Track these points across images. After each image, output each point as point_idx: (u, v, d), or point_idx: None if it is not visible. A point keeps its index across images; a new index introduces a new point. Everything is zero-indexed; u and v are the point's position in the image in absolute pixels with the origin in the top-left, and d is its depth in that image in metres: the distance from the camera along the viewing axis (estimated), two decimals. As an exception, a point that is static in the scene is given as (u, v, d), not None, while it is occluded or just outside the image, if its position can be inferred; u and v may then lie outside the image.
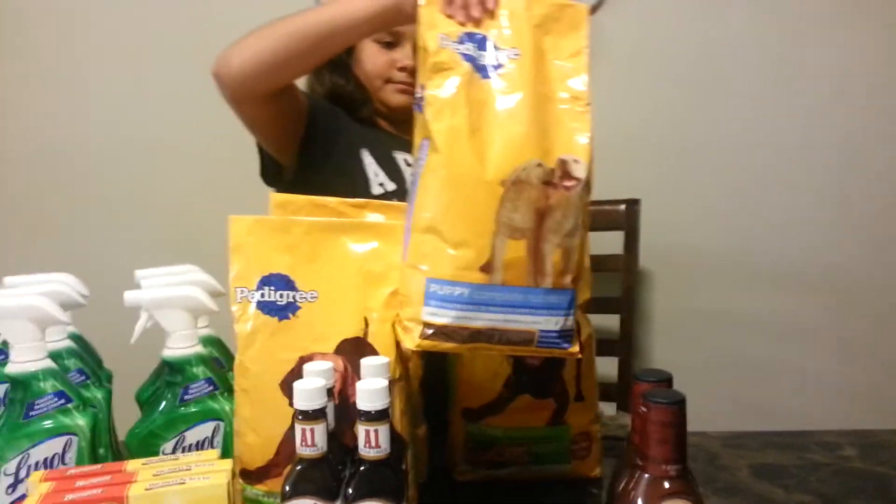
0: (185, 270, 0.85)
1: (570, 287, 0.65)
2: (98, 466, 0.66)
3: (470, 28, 0.68)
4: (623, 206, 1.47)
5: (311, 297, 0.70)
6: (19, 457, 0.66)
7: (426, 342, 0.64)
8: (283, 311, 0.69)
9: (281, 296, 0.69)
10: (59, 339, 0.78)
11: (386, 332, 0.68)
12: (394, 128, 1.20)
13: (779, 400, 1.58)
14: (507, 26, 0.69)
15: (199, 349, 0.75)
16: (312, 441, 0.56)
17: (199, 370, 0.74)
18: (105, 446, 0.76)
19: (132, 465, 0.65)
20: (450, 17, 0.69)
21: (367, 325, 0.69)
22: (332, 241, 0.71)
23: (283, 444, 0.67)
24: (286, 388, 0.67)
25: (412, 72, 1.11)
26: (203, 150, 1.61)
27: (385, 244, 0.70)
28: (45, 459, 0.68)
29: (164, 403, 0.73)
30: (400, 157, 1.14)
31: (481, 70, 0.67)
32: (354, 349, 0.67)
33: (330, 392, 0.61)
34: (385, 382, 0.56)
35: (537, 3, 0.70)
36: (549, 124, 0.66)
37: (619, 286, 1.45)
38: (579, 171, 0.65)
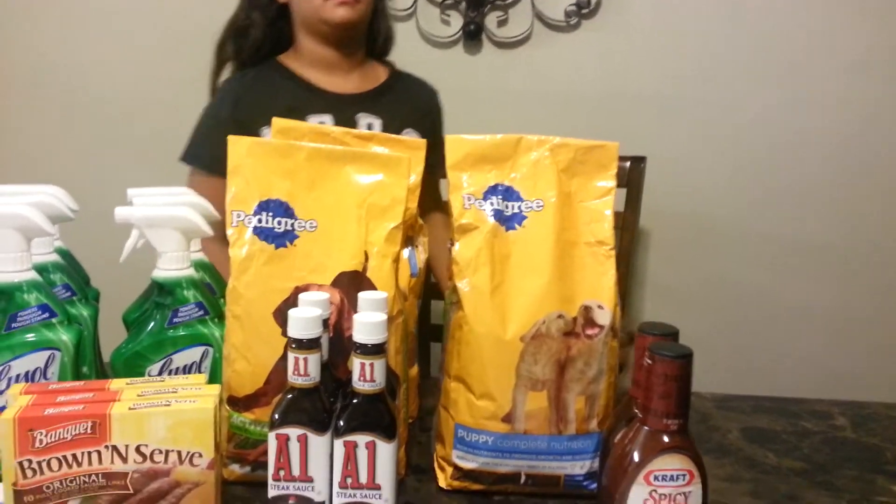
0: (180, 192, 0.82)
1: (597, 430, 0.67)
2: (80, 383, 0.64)
3: (495, 180, 0.69)
4: (628, 163, 1.44)
5: (310, 227, 0.67)
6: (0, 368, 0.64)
7: (457, 483, 0.67)
8: (280, 239, 0.66)
9: (279, 223, 0.66)
10: (45, 252, 0.75)
11: (385, 268, 0.66)
12: (325, 75, 1.11)
13: (770, 369, 1.58)
14: (531, 175, 0.69)
15: (191, 272, 0.72)
16: (305, 370, 0.54)
17: (189, 293, 0.72)
18: (89, 364, 0.75)
19: (116, 384, 0.64)
20: None
21: (366, 259, 0.66)
22: (335, 169, 0.68)
23: (274, 373, 0.65)
24: (280, 316, 0.65)
25: None
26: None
27: (390, 177, 0.67)
28: (27, 373, 0.66)
29: (152, 324, 0.71)
30: (315, 119, 1.06)
31: (506, 222, 0.68)
32: (352, 283, 0.65)
33: (325, 323, 0.59)
34: (383, 316, 0.54)
35: (563, 147, 0.70)
36: (573, 270, 0.67)
37: (616, 243, 1.44)
38: (603, 318, 0.66)
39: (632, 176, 1.43)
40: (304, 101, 1.08)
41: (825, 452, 0.77)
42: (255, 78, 1.11)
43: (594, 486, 0.66)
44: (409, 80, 1.21)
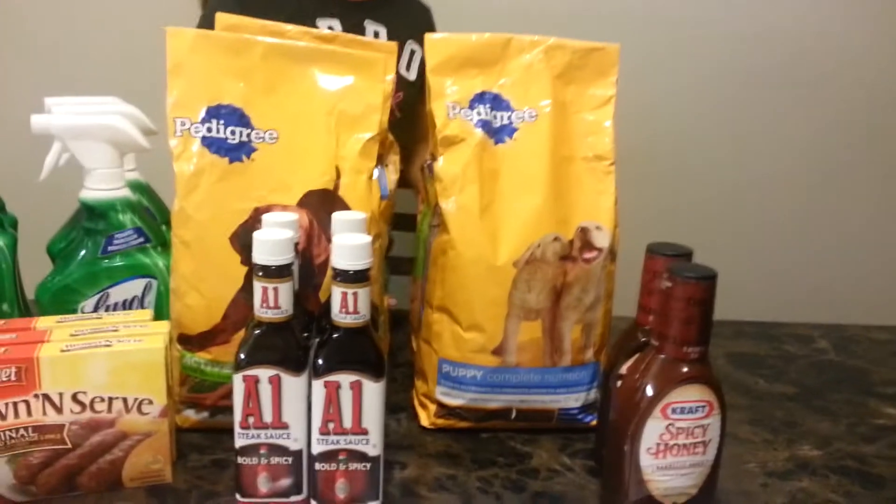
0: (107, 102, 0.70)
1: (592, 361, 0.61)
2: (0, 322, 0.54)
3: (482, 87, 0.61)
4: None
5: (270, 138, 0.57)
6: None
7: (441, 421, 0.62)
8: (234, 152, 0.57)
9: (232, 132, 0.57)
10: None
11: (361, 185, 0.58)
12: None
13: (746, 291, 1.59)
14: (523, 81, 0.62)
15: (126, 192, 0.62)
16: (276, 302, 0.46)
17: (126, 217, 0.62)
18: (10, 302, 0.64)
19: (44, 322, 0.54)
20: None
21: (338, 175, 0.58)
22: (298, 70, 0.58)
23: (232, 307, 0.57)
24: (237, 242, 0.56)
25: None
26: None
27: (364, 80, 0.58)
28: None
29: (83, 253, 0.61)
30: (323, 24, 0.98)
31: (495, 134, 0.61)
32: (322, 203, 0.57)
33: (295, 248, 0.51)
34: (367, 239, 0.46)
35: (559, 50, 0.62)
36: (569, 188, 0.60)
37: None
38: (601, 240, 0.59)
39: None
40: (310, 4, 0.99)
41: (812, 376, 0.75)
42: None
43: (590, 419, 0.62)
44: None
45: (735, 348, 0.81)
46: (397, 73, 0.79)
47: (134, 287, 0.63)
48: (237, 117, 0.57)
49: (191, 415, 0.60)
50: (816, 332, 0.86)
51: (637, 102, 1.43)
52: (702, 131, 1.59)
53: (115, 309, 0.62)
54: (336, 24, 1.00)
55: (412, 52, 1.04)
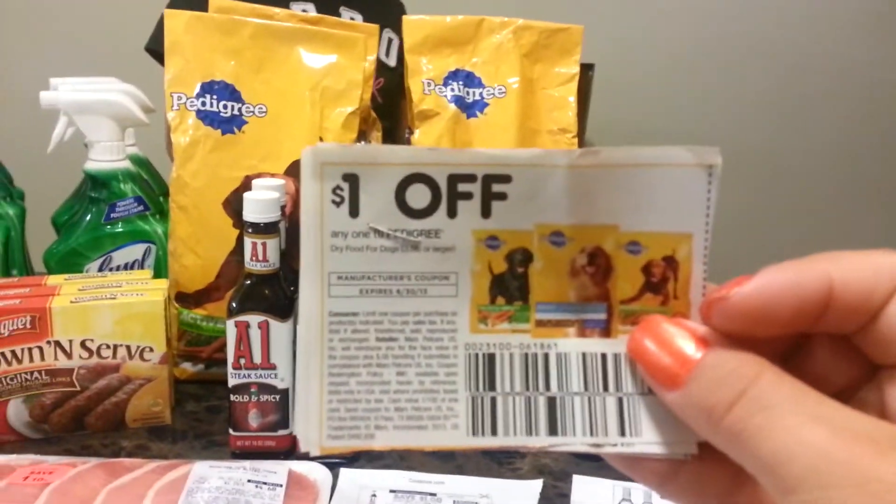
0: (107, 81, 0.75)
1: None
2: (13, 279, 0.59)
3: (455, 65, 0.67)
4: (576, 72, 1.42)
5: (259, 112, 0.63)
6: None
7: None
8: (227, 124, 0.62)
9: (224, 106, 0.62)
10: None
11: (342, 155, 0.63)
12: None
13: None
14: (493, 60, 0.67)
15: (128, 164, 0.67)
16: (264, 256, 0.52)
17: (127, 187, 0.67)
18: (18, 267, 0.70)
19: (53, 279, 0.60)
20: None
21: (321, 145, 0.63)
22: (284, 49, 0.63)
23: (225, 267, 0.62)
24: (229, 207, 0.62)
25: None
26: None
27: (346, 58, 0.64)
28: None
29: (87, 219, 0.66)
30: (297, 7, 1.02)
31: (467, 109, 0.67)
32: (307, 171, 0.62)
33: (282, 210, 0.56)
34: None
35: (527, 30, 0.68)
36: None
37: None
38: None
39: (579, 84, 1.42)
40: None
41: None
42: None
43: None
44: None
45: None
46: (378, 59, 0.83)
47: (135, 251, 0.68)
48: (229, 92, 0.62)
49: (188, 367, 0.65)
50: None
51: (618, 86, 1.48)
52: (690, 115, 1.63)
53: (117, 271, 0.68)
54: (311, 7, 1.04)
55: (389, 40, 1.09)
